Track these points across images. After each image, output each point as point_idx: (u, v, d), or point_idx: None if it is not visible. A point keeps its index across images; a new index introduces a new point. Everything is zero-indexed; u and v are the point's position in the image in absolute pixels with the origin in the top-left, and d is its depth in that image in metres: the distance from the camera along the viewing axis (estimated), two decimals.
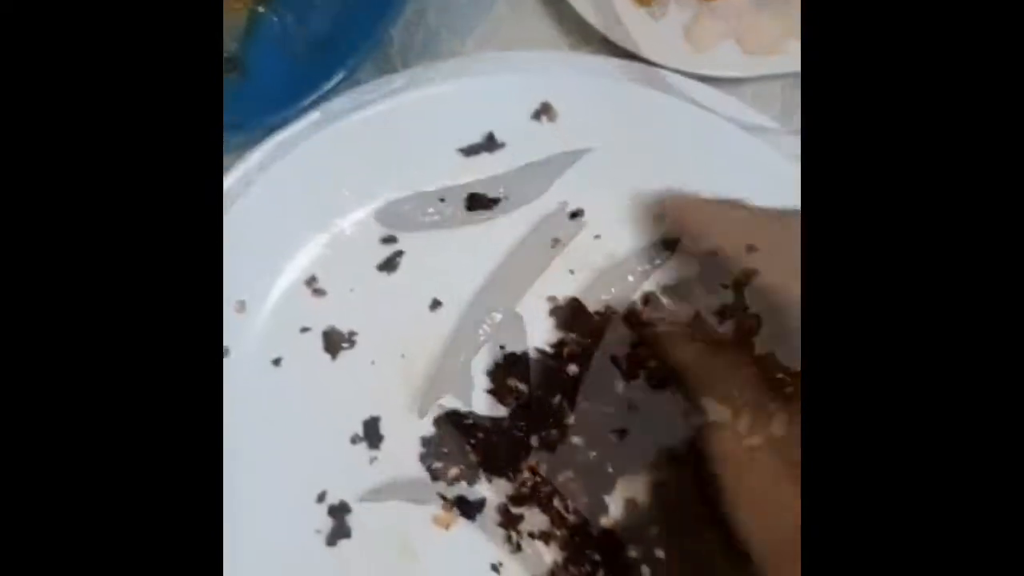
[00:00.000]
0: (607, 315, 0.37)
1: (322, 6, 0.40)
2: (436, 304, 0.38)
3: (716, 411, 0.34)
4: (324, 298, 0.38)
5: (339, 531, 0.36)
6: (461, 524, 0.36)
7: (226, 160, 0.38)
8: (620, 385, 0.36)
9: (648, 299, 0.38)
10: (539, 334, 0.38)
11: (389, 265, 0.39)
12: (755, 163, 0.38)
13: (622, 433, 0.36)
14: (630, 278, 0.38)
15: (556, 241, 0.39)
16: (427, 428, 0.37)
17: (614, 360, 0.37)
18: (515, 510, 0.36)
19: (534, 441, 0.36)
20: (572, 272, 0.39)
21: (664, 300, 0.38)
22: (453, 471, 0.37)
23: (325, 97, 0.38)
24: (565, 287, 0.38)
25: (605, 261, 0.39)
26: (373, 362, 0.38)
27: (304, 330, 0.38)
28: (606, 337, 0.37)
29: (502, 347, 0.38)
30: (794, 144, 0.37)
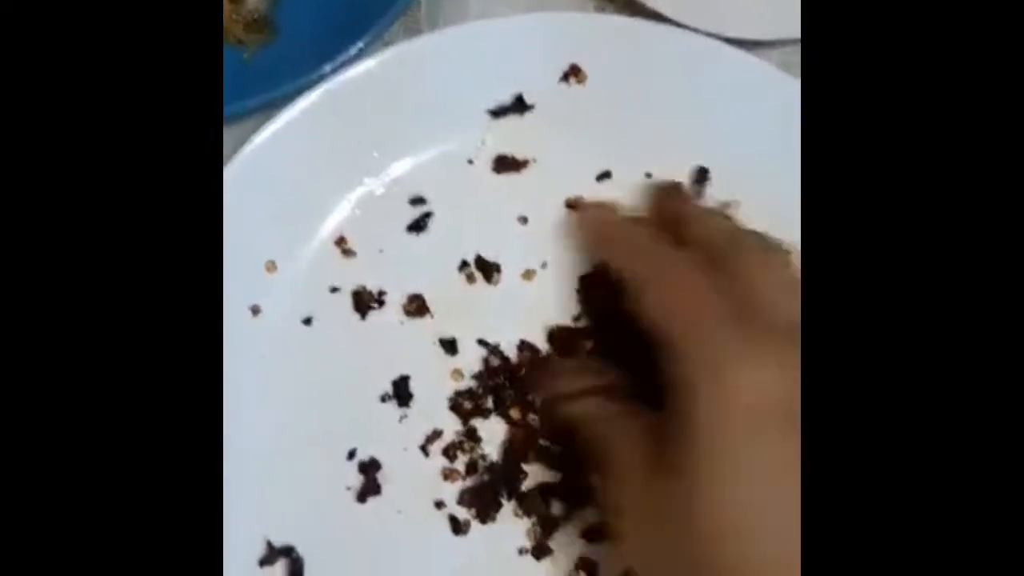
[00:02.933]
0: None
1: None
2: (464, 265, 0.39)
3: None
4: (354, 259, 0.39)
5: (370, 488, 0.37)
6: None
7: (255, 121, 0.38)
8: None
9: None
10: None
11: (418, 226, 0.39)
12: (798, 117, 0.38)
13: None
14: None
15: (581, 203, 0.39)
16: (456, 386, 0.38)
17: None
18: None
19: None
20: None
21: None
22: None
23: (353, 59, 0.38)
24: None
25: None
26: (402, 322, 0.38)
27: (334, 290, 0.38)
28: None
29: None
30: None
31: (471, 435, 0.37)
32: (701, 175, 0.39)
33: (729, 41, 0.39)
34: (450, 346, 0.38)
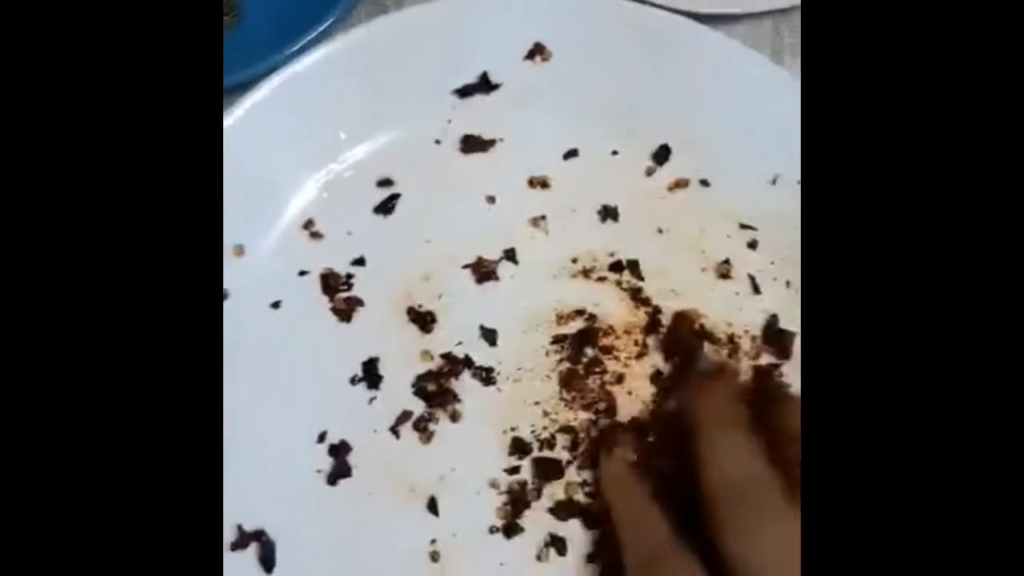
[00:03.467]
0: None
1: None
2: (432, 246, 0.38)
3: None
4: (322, 241, 0.39)
5: (340, 470, 0.37)
6: (465, 460, 0.37)
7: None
8: None
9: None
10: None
11: (385, 208, 0.39)
12: (763, 93, 0.38)
13: None
14: None
15: (547, 183, 0.39)
16: (424, 367, 0.37)
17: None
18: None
19: None
20: (574, 211, 0.39)
21: None
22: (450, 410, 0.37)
23: (318, 40, 0.38)
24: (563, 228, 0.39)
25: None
26: (371, 304, 0.38)
27: (302, 273, 0.38)
28: None
29: None
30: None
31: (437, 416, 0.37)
32: (663, 153, 0.39)
33: (696, 17, 0.39)
34: (421, 327, 0.38)
